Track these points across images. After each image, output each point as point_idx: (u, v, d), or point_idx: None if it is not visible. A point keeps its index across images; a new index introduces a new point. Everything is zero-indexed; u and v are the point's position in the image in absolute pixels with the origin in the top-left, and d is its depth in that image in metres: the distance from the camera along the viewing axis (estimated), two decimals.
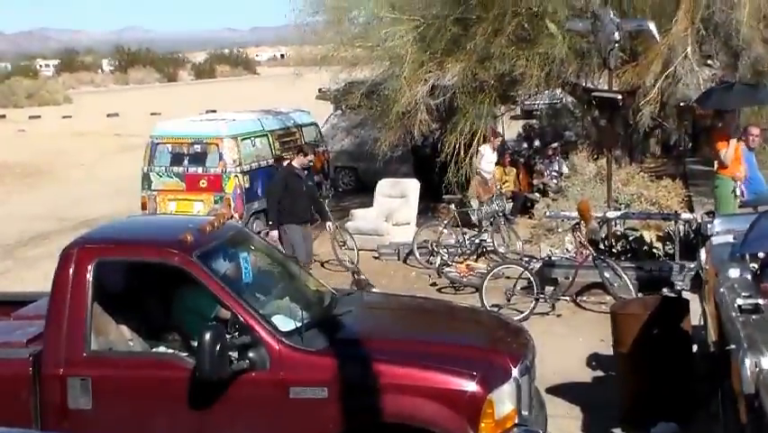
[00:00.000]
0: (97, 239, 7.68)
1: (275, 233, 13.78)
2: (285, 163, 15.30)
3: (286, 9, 19.48)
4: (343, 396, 6.49)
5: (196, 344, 6.46)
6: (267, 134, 18.84)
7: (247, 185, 17.47)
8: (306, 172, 14.09)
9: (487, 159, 18.58)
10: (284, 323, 6.88)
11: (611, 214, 14.43)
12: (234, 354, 6.45)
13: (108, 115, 55.35)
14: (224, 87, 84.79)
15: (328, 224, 15.01)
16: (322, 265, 16.05)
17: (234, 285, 7.12)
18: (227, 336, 6.43)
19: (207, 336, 6.21)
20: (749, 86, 15.16)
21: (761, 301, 6.47)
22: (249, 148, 17.96)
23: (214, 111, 29.43)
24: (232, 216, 11.54)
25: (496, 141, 18.97)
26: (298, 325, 6.74)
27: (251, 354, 6.54)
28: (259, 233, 13.58)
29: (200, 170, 17.42)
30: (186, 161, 17.57)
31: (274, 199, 13.88)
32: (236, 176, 17.27)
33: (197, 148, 17.60)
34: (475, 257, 15.64)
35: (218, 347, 6.24)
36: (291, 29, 20.22)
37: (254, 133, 18.42)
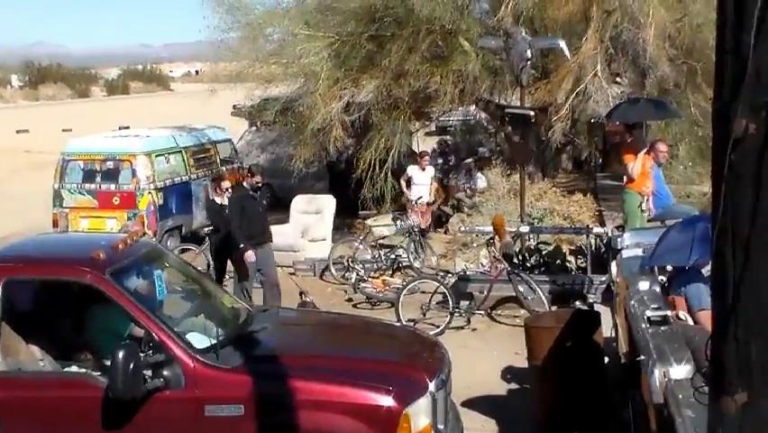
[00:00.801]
0: (7, 257, 7.51)
1: (250, 253, 12.93)
2: (225, 186, 14.49)
3: (200, 25, 19.38)
4: (260, 413, 6.46)
5: (109, 363, 6.35)
6: (181, 151, 18.66)
7: (161, 202, 17.28)
8: (258, 193, 13.51)
9: (417, 181, 18.67)
10: (199, 340, 6.81)
11: (524, 228, 14.62)
12: (148, 373, 6.36)
13: (18, 132, 54.11)
14: (137, 104, 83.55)
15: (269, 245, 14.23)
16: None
17: (148, 303, 7.04)
18: (141, 355, 6.33)
19: (120, 354, 6.11)
20: (654, 101, 15.50)
21: (669, 313, 6.61)
22: (163, 164, 17.77)
23: (128, 127, 29.07)
24: (145, 234, 11.33)
25: (423, 161, 19.01)
26: (214, 342, 6.69)
27: (165, 373, 6.45)
28: (233, 259, 13.52)
29: (113, 186, 17.18)
30: (98, 178, 17.32)
31: (236, 224, 13.03)
32: (150, 193, 17.07)
33: (110, 165, 17.37)
34: (391, 272, 15.66)
35: (131, 366, 6.14)
36: (206, 45, 20.12)
37: (168, 150, 18.23)
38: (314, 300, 12.28)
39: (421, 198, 18.53)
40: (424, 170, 18.91)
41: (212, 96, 20.46)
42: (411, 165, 18.78)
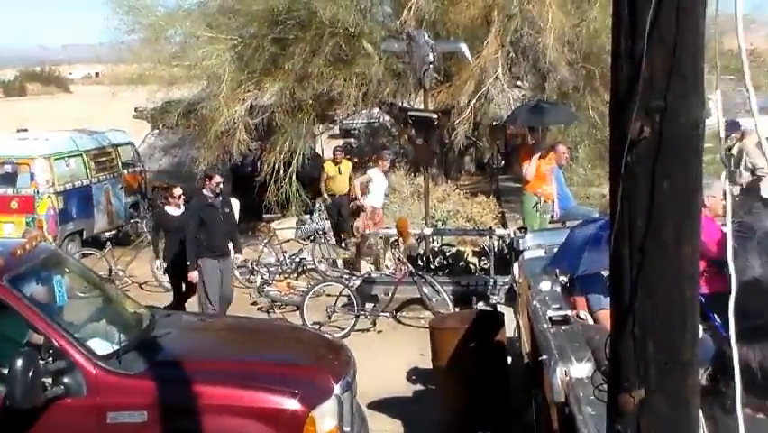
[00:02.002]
0: None
1: (195, 273, 12.22)
2: (178, 193, 13.66)
3: (101, 27, 19.07)
4: (163, 419, 6.38)
5: (6, 371, 6.20)
6: (81, 154, 18.36)
7: (61, 206, 16.97)
8: (219, 198, 12.58)
9: (377, 185, 17.15)
10: (100, 346, 6.71)
11: (428, 230, 14.71)
12: (48, 381, 6.23)
13: None
14: (35, 106, 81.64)
15: (237, 256, 13.55)
16: (140, 286, 15.69)
17: (47, 309, 6.89)
18: (41, 362, 6.18)
19: (18, 362, 5.95)
20: (552, 104, 15.74)
21: (570, 313, 6.72)
22: (63, 168, 17.45)
23: (26, 130, 28.37)
24: (45, 239, 11.04)
25: (385, 163, 17.76)
26: (116, 348, 6.59)
27: (65, 380, 6.33)
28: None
29: (11, 191, 16.81)
30: None
31: (191, 236, 12.18)
32: (49, 197, 16.76)
33: (8, 168, 16.99)
34: (296, 275, 15.62)
35: (30, 374, 5.99)
36: (107, 47, 19.82)
37: (68, 153, 17.91)
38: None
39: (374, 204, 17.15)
40: (385, 172, 17.93)
41: (113, 98, 20.11)
42: (372, 168, 17.76)
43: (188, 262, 12.16)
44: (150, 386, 6.47)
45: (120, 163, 19.94)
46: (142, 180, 21.25)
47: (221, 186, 12.65)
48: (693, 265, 2.49)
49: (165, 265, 13.39)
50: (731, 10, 2.41)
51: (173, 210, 13.28)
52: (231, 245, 12.92)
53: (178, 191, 13.48)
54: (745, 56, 2.61)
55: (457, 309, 12.16)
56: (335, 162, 18.98)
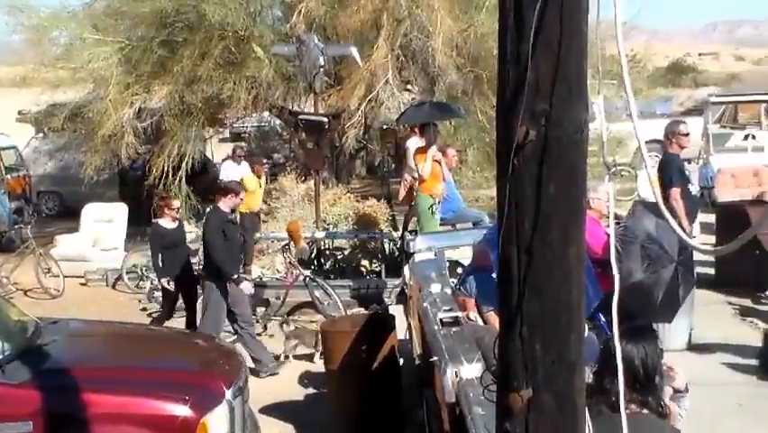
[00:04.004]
0: None
1: (248, 284, 11.22)
2: (176, 205, 12.60)
3: None
4: (50, 430, 6.23)
5: None
6: None
7: None
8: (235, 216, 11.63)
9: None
10: None
11: (320, 234, 14.70)
12: None
13: None
14: None
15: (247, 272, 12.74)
16: (25, 294, 15.35)
17: None
18: None
19: None
20: (438, 104, 15.89)
21: (460, 314, 6.80)
22: None
23: None
24: None
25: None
26: None
27: None
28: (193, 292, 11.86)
29: None
30: None
31: (222, 253, 10.85)
32: None
33: None
34: None
35: None
36: None
37: None
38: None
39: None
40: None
41: None
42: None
43: (233, 276, 10.85)
44: (35, 395, 6.31)
45: (2, 168, 19.41)
46: (27, 185, 20.75)
47: (239, 203, 11.84)
48: (579, 266, 2.55)
49: (173, 284, 11.82)
50: (612, 16, 2.48)
51: (167, 223, 12.05)
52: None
53: (176, 203, 12.54)
54: (626, 62, 2.68)
55: (349, 312, 12.18)
56: (258, 176, 17.96)
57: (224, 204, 11.23)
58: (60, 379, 6.64)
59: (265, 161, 19.61)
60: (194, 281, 11.95)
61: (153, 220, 12.85)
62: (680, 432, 4.29)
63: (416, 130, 13.78)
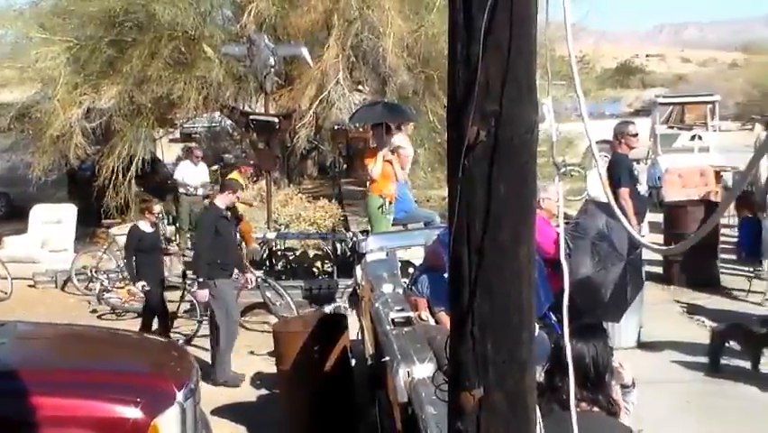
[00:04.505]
0: None
1: (205, 292, 10.87)
2: (157, 210, 12.80)
3: None
4: None
5: None
6: None
7: None
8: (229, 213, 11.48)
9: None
10: None
11: (271, 235, 14.64)
12: None
13: None
14: None
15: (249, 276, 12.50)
16: None
17: None
18: None
19: None
20: (390, 105, 15.91)
21: (412, 314, 6.81)
22: None
23: None
24: None
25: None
26: None
27: None
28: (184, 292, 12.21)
29: None
30: None
31: (204, 250, 10.90)
32: None
33: None
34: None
35: None
36: None
37: None
38: None
39: None
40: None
41: None
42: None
43: (199, 279, 10.91)
44: None
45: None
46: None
47: (235, 202, 11.87)
48: (529, 266, 2.56)
49: (148, 288, 11.92)
50: (561, 18, 2.50)
51: (146, 227, 12.09)
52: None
53: (157, 208, 12.64)
54: (575, 62, 2.70)
55: (301, 313, 12.15)
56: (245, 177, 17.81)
57: (221, 200, 11.36)
58: (7, 382, 6.54)
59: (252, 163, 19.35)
60: (164, 287, 12.18)
61: (132, 223, 13.08)
62: (630, 429, 4.34)
63: (402, 127, 13.95)
